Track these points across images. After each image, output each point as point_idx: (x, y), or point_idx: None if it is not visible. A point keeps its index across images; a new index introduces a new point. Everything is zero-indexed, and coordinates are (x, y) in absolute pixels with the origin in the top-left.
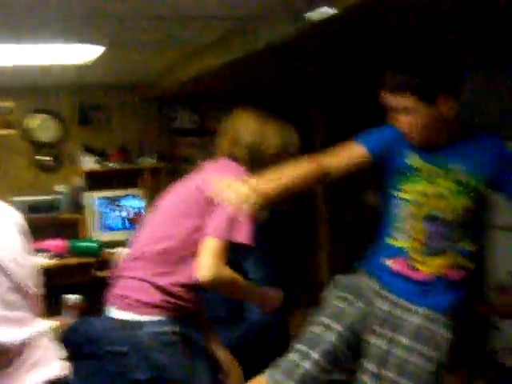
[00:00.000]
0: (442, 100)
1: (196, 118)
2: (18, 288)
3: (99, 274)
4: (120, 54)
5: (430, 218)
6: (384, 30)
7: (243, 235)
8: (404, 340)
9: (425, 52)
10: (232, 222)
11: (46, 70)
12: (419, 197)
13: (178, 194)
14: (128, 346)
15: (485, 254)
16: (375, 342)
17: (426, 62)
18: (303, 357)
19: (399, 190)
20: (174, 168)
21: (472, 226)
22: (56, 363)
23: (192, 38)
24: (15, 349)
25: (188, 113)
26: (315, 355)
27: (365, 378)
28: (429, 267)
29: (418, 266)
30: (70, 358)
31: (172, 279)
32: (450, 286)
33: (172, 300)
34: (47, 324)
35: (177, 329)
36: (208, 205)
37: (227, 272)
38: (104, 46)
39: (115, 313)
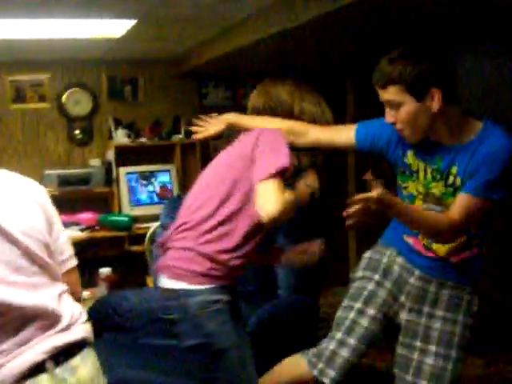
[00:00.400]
0: (430, 94)
1: (229, 94)
2: (32, 258)
3: (131, 248)
4: (152, 28)
5: (431, 211)
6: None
7: (283, 160)
8: (441, 312)
9: (415, 45)
10: (271, 152)
11: (78, 44)
12: (417, 194)
13: (217, 164)
14: (179, 313)
15: None
16: (412, 319)
17: (416, 54)
18: (341, 345)
19: (400, 185)
20: (205, 144)
21: None
22: (79, 327)
23: (227, 14)
24: (30, 311)
25: (221, 89)
26: (352, 342)
27: (408, 353)
28: (439, 250)
29: (431, 247)
30: (97, 329)
31: (216, 246)
32: (464, 264)
33: (220, 267)
34: (65, 288)
35: (226, 297)
36: (248, 161)
37: (287, 199)
38: (136, 19)
39: (165, 282)
